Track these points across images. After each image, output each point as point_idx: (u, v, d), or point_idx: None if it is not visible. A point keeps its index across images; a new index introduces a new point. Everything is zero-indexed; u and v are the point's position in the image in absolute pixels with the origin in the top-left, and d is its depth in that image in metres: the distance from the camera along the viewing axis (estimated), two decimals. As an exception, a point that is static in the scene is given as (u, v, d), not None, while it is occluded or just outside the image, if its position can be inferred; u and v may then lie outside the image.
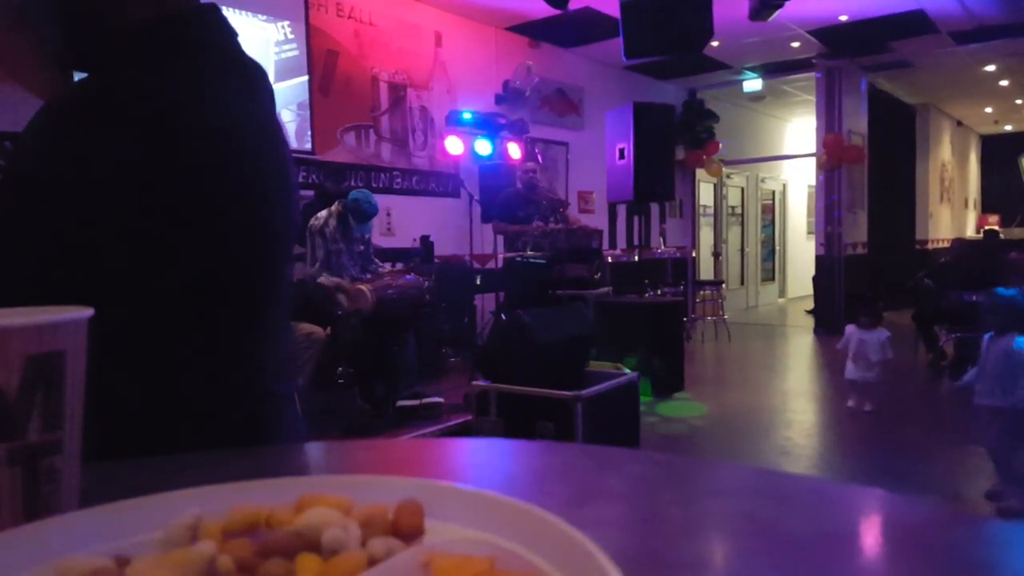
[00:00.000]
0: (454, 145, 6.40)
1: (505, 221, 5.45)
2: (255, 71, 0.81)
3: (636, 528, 0.44)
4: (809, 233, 12.67)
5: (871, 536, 0.44)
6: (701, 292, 9.46)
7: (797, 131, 13.10)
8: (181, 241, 0.68)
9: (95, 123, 0.68)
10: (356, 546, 0.30)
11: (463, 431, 3.96)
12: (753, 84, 9.73)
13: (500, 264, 6.08)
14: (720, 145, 9.75)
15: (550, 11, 6.33)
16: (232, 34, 0.79)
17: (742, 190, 12.25)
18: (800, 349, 8.39)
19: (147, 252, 0.67)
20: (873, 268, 9.74)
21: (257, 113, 0.78)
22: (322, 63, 5.62)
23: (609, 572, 0.25)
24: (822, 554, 0.40)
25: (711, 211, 11.29)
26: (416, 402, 4.28)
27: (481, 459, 0.62)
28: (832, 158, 8.83)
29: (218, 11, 0.78)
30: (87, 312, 0.39)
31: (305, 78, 5.46)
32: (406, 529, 0.32)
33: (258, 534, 0.31)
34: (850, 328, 4.82)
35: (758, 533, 0.42)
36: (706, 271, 10.73)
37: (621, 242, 8.44)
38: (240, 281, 0.74)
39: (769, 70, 9.35)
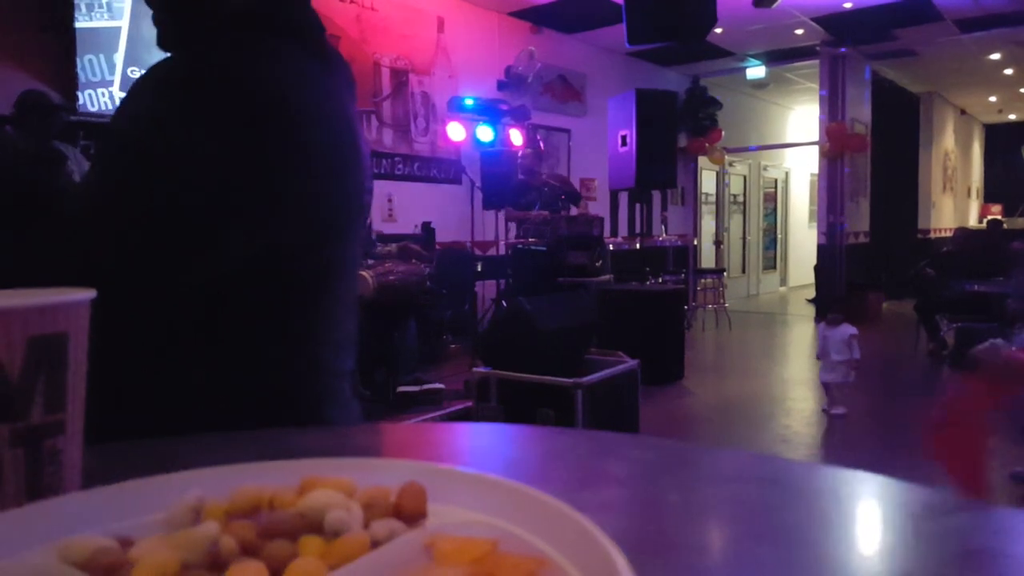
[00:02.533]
0: (456, 131, 6.37)
1: (512, 207, 5.48)
2: (338, 62, 0.84)
3: (637, 512, 0.44)
4: (811, 222, 12.65)
5: (871, 522, 0.45)
6: (702, 280, 9.45)
7: (800, 119, 13.04)
8: (262, 215, 0.72)
9: (202, 99, 0.71)
10: (359, 528, 0.30)
11: (463, 417, 3.97)
12: (756, 71, 9.67)
13: (502, 251, 6.07)
14: (722, 133, 9.71)
15: (553, -4, 6.29)
16: (321, 28, 0.83)
17: (744, 178, 12.22)
18: (801, 338, 8.40)
19: (225, 223, 0.71)
20: (875, 257, 9.73)
21: (335, 97, 0.80)
22: (323, 48, 5.59)
23: (612, 554, 0.25)
24: (822, 539, 0.40)
25: (713, 199, 11.26)
26: (417, 388, 4.29)
27: (482, 443, 0.63)
28: (835, 146, 8.79)
29: (308, 3, 0.83)
30: (89, 293, 0.38)
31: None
32: (409, 512, 0.32)
33: (261, 516, 0.31)
34: (820, 325, 4.69)
35: (758, 518, 0.43)
36: (707, 259, 10.72)
37: (623, 230, 8.42)
38: (302, 258, 0.77)
39: (772, 57, 9.29)
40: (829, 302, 4.75)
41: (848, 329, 4.46)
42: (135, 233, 0.68)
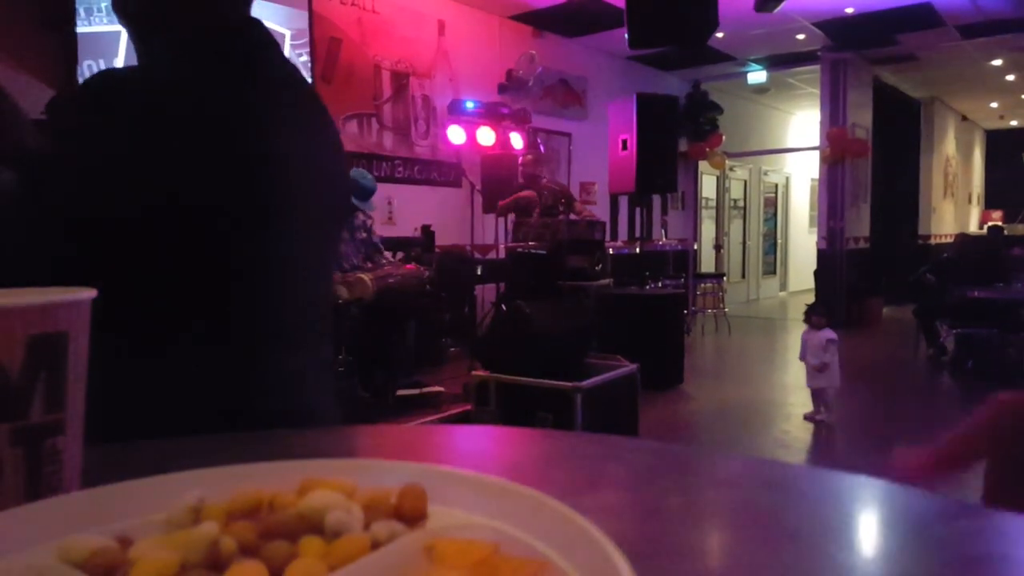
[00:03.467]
0: (456, 134, 6.38)
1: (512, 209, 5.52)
2: (274, 79, 0.90)
3: (638, 515, 0.44)
4: (811, 227, 12.66)
5: (872, 526, 0.44)
6: (702, 285, 9.45)
7: (801, 124, 13.05)
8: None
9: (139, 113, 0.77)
10: (359, 529, 0.29)
11: (462, 421, 3.97)
12: (757, 76, 9.68)
13: (502, 254, 6.07)
14: (723, 137, 9.71)
15: (554, 0, 6.30)
16: (271, 43, 0.90)
17: (745, 183, 12.22)
18: (800, 343, 8.39)
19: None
20: (875, 263, 9.73)
21: (247, 107, 0.84)
22: (325, 50, 5.60)
23: (614, 557, 0.25)
24: (823, 543, 0.39)
25: (713, 203, 11.27)
26: (416, 391, 4.29)
27: (483, 446, 0.62)
28: (836, 152, 8.80)
29: (261, 26, 0.90)
30: (90, 293, 0.38)
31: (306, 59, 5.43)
32: (409, 513, 0.32)
33: (261, 517, 0.31)
34: (804, 331, 4.68)
35: (759, 522, 0.42)
36: (707, 264, 10.72)
37: (623, 234, 8.42)
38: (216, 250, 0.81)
39: (774, 62, 9.31)
40: (811, 306, 4.69)
41: (827, 333, 4.45)
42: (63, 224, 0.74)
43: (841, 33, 8.04)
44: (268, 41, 0.90)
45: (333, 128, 0.99)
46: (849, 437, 4.42)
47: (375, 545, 0.28)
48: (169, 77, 0.80)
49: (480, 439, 0.66)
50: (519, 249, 5.15)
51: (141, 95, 0.77)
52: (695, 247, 10.25)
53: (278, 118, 0.85)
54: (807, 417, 4.62)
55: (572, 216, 5.39)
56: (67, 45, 4.06)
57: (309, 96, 0.94)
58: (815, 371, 4.47)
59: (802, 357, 4.57)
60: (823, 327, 4.47)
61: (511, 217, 5.62)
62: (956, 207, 14.02)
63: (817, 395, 4.59)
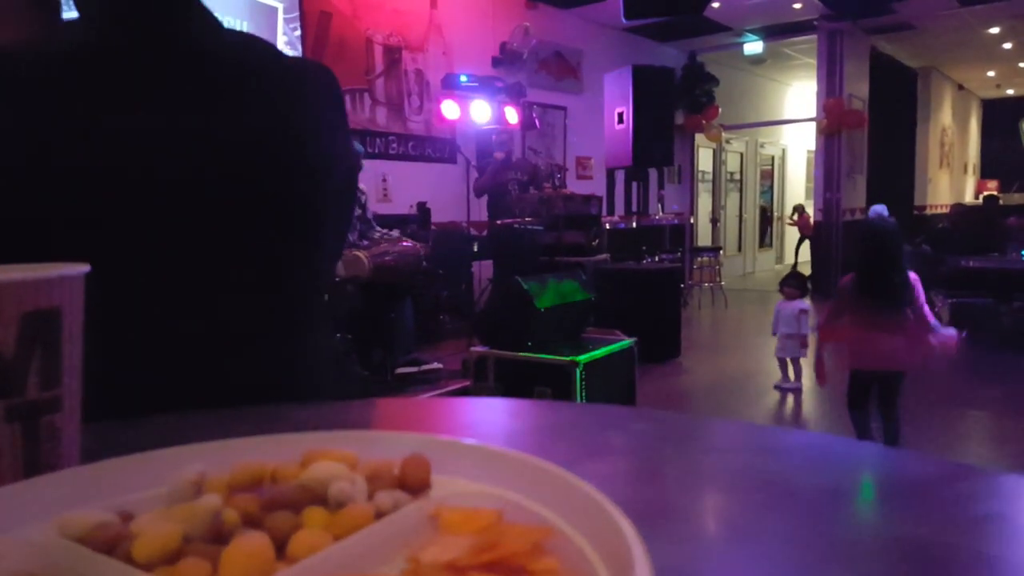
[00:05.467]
0: (450, 109, 6.31)
1: (489, 188, 5.56)
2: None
3: (639, 481, 0.44)
4: (808, 199, 12.64)
5: (871, 489, 0.45)
6: (698, 258, 9.46)
7: (797, 95, 12.97)
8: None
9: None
10: (363, 499, 0.29)
11: (461, 396, 3.98)
12: (754, 47, 9.59)
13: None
14: (719, 109, 9.65)
15: (548, -29, 6.21)
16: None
17: (741, 155, 12.17)
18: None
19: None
20: (871, 234, 9.74)
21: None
22: (315, 24, 5.52)
23: (619, 522, 0.25)
24: (828, 506, 0.40)
25: (710, 177, 11.23)
26: (415, 368, 4.30)
27: (484, 417, 0.62)
28: (832, 123, 8.75)
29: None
30: (83, 268, 0.38)
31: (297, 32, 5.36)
32: (412, 483, 0.31)
33: (264, 489, 0.31)
34: (778, 302, 4.71)
35: (760, 487, 0.42)
36: (704, 237, 10.72)
37: (619, 208, 8.40)
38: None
39: (770, 32, 9.22)
40: (785, 277, 4.71)
41: (799, 304, 4.49)
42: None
43: (838, 2, 7.96)
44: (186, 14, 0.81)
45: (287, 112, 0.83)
46: (842, 405, 4.45)
47: (379, 515, 0.28)
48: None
49: (481, 411, 0.66)
50: (515, 225, 5.14)
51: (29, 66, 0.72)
52: (691, 221, 10.24)
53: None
54: (777, 386, 4.67)
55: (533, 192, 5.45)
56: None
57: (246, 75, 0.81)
58: (787, 341, 4.51)
59: (775, 330, 4.61)
60: (796, 298, 4.50)
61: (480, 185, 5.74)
62: (952, 177, 14.00)
63: (784, 364, 4.65)
